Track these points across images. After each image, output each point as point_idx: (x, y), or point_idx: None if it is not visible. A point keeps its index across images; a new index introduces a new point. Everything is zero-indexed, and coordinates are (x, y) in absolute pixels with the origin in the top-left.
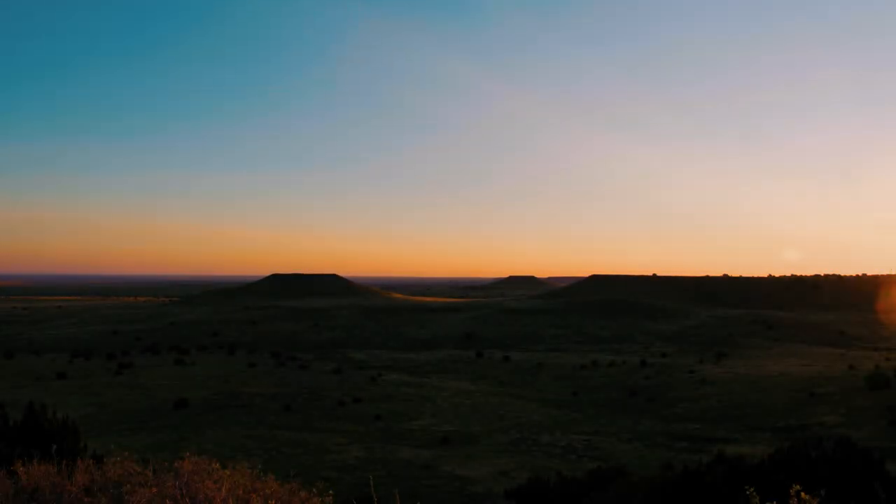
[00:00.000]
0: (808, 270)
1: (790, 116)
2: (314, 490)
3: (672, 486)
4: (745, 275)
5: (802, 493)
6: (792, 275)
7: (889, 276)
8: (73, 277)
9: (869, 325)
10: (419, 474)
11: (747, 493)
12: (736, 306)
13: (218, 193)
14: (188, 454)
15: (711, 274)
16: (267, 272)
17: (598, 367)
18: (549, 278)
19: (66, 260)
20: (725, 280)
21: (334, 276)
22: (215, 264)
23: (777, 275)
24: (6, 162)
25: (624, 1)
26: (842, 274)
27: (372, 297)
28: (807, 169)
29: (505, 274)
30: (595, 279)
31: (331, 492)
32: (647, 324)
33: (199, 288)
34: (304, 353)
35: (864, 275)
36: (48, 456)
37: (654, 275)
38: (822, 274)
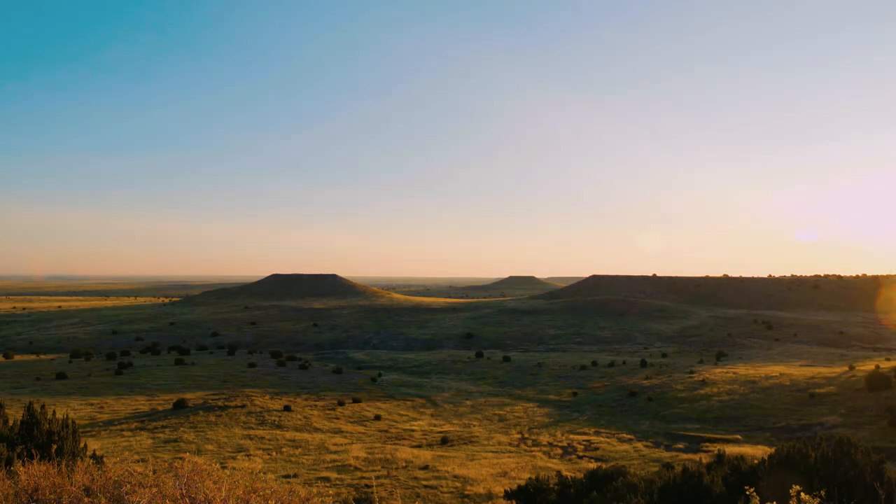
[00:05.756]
0: (808, 270)
1: (791, 118)
2: (314, 490)
3: (672, 487)
4: (745, 275)
5: (802, 494)
6: (792, 275)
7: (889, 276)
8: (73, 278)
9: (869, 325)
10: (419, 474)
11: (747, 493)
12: (736, 306)
13: (218, 194)
14: (188, 454)
15: (711, 274)
16: (267, 272)
17: (598, 367)
18: (549, 278)
19: (67, 260)
20: (725, 280)
21: (334, 276)
22: (215, 264)
23: (777, 275)
24: (9, 164)
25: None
26: (842, 274)
27: (372, 297)
28: (806, 170)
29: (505, 274)
30: (595, 279)
31: (331, 492)
32: (647, 324)
33: (199, 288)
34: (304, 353)
35: (864, 275)
36: (48, 456)
37: (654, 275)
38: (822, 274)
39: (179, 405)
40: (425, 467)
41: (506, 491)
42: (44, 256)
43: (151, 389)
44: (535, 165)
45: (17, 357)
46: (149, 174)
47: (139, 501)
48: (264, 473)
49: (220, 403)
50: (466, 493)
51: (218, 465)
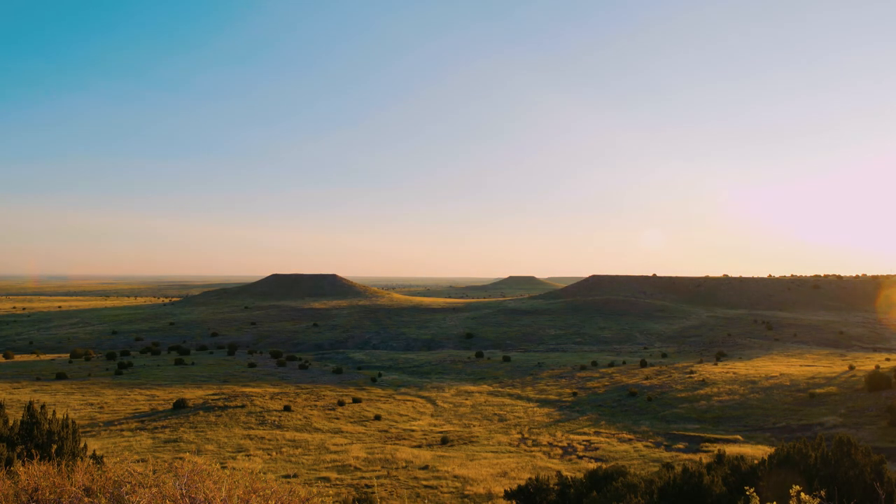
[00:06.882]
0: (808, 270)
1: (790, 119)
2: (314, 490)
3: (672, 487)
4: (745, 275)
5: (802, 494)
6: (792, 275)
7: (889, 277)
8: (73, 278)
9: (869, 325)
10: (419, 474)
11: (747, 493)
12: (736, 306)
13: (218, 195)
14: (188, 454)
15: (711, 274)
16: (267, 272)
17: (598, 367)
18: (549, 278)
19: (66, 260)
20: (725, 280)
21: (334, 276)
22: (215, 264)
23: (777, 275)
24: (9, 165)
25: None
26: (842, 274)
27: (372, 297)
28: (807, 171)
29: (505, 274)
30: (595, 279)
31: (331, 492)
32: (647, 324)
33: (199, 288)
34: (304, 353)
35: (864, 275)
36: (48, 456)
37: (654, 275)
38: (822, 274)
39: (179, 405)
40: (425, 467)
41: (506, 491)
42: (39, 257)
43: (151, 389)
44: (536, 166)
45: (17, 357)
46: (149, 175)
47: (139, 501)
48: (264, 473)
49: (220, 403)
50: (466, 493)
51: (218, 465)
